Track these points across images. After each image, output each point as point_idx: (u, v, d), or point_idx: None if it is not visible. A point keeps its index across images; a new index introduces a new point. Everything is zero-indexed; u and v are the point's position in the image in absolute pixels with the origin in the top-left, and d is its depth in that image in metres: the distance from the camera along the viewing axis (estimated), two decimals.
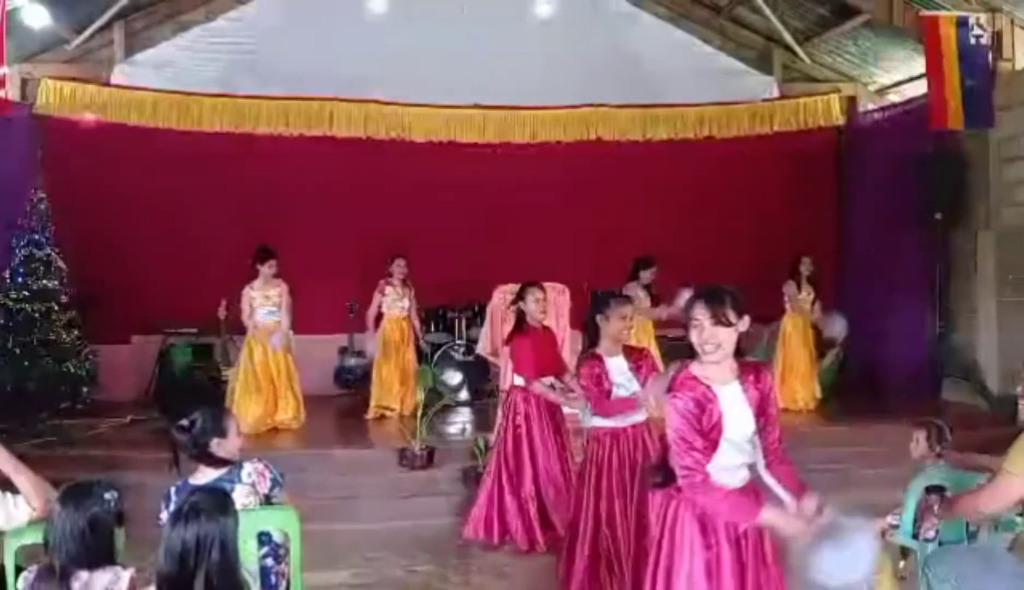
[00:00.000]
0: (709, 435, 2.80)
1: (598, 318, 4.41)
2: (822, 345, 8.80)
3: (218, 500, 2.62)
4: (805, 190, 10.23)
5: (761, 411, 2.89)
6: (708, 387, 2.83)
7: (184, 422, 3.35)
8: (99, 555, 2.74)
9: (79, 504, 2.73)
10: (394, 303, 8.37)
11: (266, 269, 7.68)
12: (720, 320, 2.80)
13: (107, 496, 2.78)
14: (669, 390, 2.87)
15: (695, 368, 2.89)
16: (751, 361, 2.96)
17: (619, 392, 4.38)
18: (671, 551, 2.92)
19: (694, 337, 2.85)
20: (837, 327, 8.41)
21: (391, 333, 8.37)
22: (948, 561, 3.71)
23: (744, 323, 2.85)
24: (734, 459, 2.89)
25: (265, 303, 7.70)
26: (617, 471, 4.45)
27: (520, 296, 5.69)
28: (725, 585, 2.86)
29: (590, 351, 4.43)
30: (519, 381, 5.70)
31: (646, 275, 8.00)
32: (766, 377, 2.95)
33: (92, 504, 2.74)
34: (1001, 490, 3.21)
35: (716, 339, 2.81)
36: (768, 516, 2.78)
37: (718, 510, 2.82)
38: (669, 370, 3.34)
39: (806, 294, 8.42)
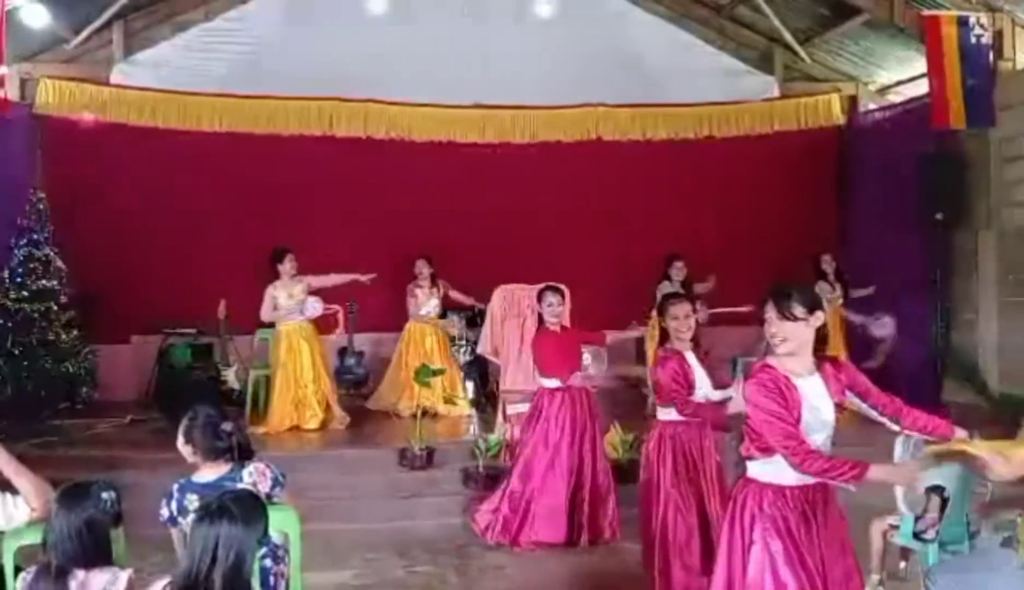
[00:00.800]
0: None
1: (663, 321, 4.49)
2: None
3: (247, 504, 2.60)
4: (806, 190, 10.22)
5: (853, 390, 3.04)
6: (786, 377, 2.92)
7: (227, 427, 3.36)
8: (96, 555, 2.73)
9: (75, 505, 2.73)
10: (422, 305, 8.42)
11: (287, 266, 7.62)
12: (785, 315, 2.92)
13: (104, 496, 2.78)
14: (746, 379, 3.01)
15: (771, 360, 2.99)
16: (827, 356, 3.05)
17: (700, 389, 4.37)
18: (740, 543, 2.95)
19: (766, 332, 2.98)
20: (886, 327, 8.42)
21: (417, 335, 8.39)
22: (951, 569, 3.70)
23: (816, 318, 2.96)
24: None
25: (289, 302, 7.64)
26: (682, 464, 4.44)
27: (538, 299, 5.78)
28: (793, 576, 2.86)
29: (667, 347, 4.44)
30: (548, 383, 5.72)
31: (675, 272, 8.22)
32: (844, 366, 3.08)
33: (89, 505, 2.74)
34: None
35: (781, 333, 2.92)
36: (875, 472, 2.82)
37: (827, 474, 2.83)
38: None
39: (831, 292, 8.47)
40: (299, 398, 7.65)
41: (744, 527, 2.94)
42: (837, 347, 8.37)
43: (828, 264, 8.52)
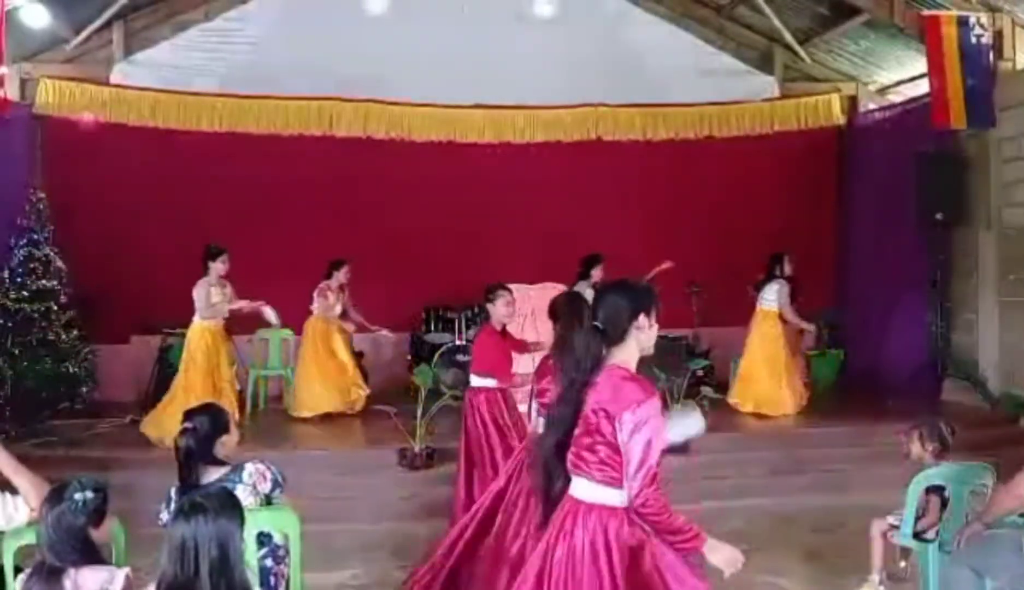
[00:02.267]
0: None
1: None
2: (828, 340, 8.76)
3: (220, 498, 2.61)
4: (806, 190, 10.23)
5: None
6: None
7: (189, 425, 3.34)
8: (82, 554, 2.74)
9: (54, 505, 2.76)
10: (331, 307, 8.38)
11: (219, 266, 7.66)
12: None
13: (77, 497, 2.78)
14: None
15: (630, 366, 2.84)
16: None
17: None
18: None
19: (654, 333, 2.87)
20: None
21: (324, 335, 8.35)
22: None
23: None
24: None
25: (221, 300, 7.71)
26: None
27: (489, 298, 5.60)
28: None
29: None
30: (479, 382, 5.55)
31: (597, 273, 8.10)
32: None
33: (63, 505, 2.75)
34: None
35: None
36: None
37: (669, 525, 2.73)
38: None
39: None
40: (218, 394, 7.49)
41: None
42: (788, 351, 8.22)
43: (788, 265, 8.14)
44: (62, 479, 2.94)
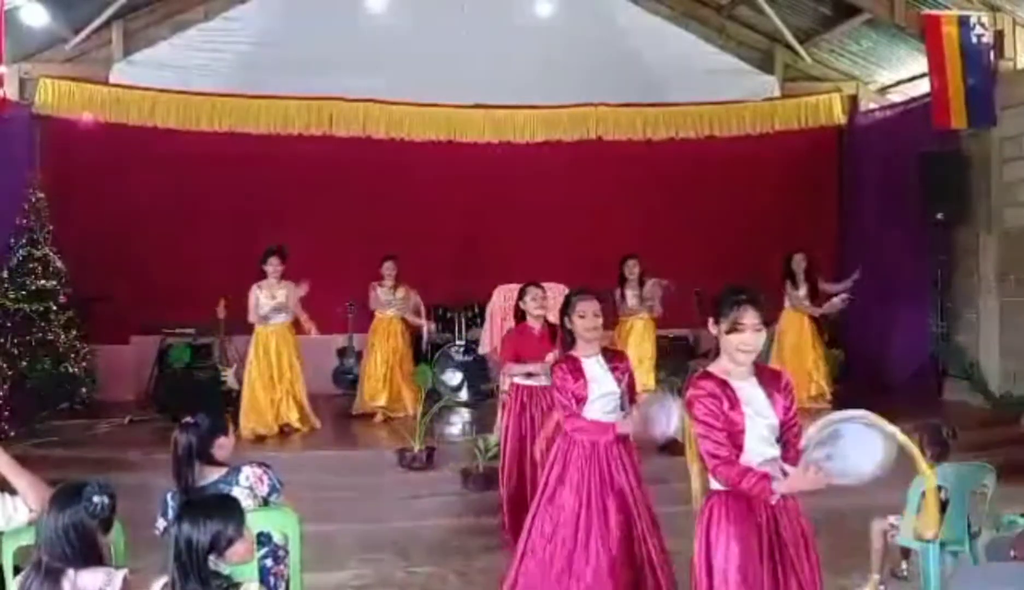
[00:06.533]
0: (731, 429, 2.82)
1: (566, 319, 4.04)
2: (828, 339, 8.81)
3: (214, 501, 2.60)
4: (807, 190, 10.23)
5: (784, 411, 2.92)
6: (726, 381, 2.87)
7: (191, 419, 3.32)
8: (86, 556, 2.72)
9: (66, 506, 2.71)
10: (384, 304, 8.32)
11: (270, 267, 7.46)
12: (761, 326, 2.87)
13: (95, 500, 2.75)
14: (684, 388, 2.95)
15: (713, 367, 2.93)
16: (765, 365, 3.01)
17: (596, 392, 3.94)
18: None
19: (734, 340, 2.86)
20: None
21: (378, 332, 8.33)
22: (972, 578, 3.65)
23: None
24: (761, 452, 2.86)
25: (271, 302, 7.51)
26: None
27: (519, 297, 5.61)
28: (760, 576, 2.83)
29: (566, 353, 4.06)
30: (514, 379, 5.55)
31: (629, 270, 8.13)
32: (781, 377, 3.00)
33: (78, 507, 2.72)
34: None
35: (757, 344, 2.87)
36: (779, 486, 2.76)
37: (740, 486, 2.79)
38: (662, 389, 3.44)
39: (802, 292, 8.40)
40: (275, 401, 7.53)
41: (710, 538, 2.88)
42: (805, 350, 8.34)
43: (798, 264, 8.32)
44: (62, 479, 2.92)
